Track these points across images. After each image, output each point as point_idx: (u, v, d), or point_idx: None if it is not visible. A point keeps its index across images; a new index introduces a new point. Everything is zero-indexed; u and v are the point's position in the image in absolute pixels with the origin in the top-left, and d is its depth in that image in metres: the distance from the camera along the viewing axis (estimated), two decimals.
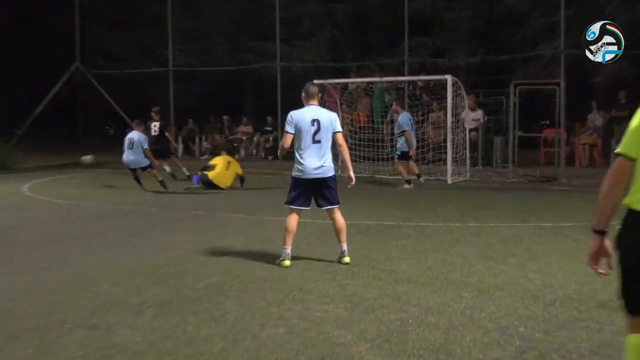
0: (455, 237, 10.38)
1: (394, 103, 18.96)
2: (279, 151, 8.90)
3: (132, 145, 17.24)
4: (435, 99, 21.28)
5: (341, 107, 21.46)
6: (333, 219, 8.67)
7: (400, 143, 17.41)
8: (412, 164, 17.98)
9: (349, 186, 8.72)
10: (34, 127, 27.52)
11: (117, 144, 23.26)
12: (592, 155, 21.91)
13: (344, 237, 8.64)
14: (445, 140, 18.95)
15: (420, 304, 6.70)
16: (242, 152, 27.13)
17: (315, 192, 8.58)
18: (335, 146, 8.67)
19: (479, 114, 21.79)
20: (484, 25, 25.37)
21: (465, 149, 19.88)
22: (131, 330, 6.01)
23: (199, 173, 17.40)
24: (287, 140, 8.52)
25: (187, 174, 19.27)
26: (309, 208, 8.70)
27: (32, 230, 11.37)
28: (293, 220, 8.55)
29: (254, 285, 7.52)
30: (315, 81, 19.67)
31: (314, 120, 8.48)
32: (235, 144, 27.36)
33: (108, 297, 7.05)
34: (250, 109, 34.61)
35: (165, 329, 6.03)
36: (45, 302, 6.90)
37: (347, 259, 8.52)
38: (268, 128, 27.01)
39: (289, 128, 8.51)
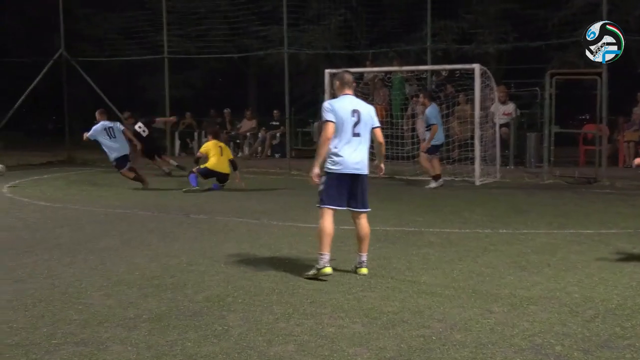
0: (484, 245, 10.42)
1: (421, 95, 19.00)
2: (319, 148, 8.48)
3: (114, 133, 17.96)
4: (461, 91, 21.27)
5: None
6: (359, 225, 8.68)
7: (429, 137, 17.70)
8: (437, 161, 18.09)
9: (380, 174, 9.13)
10: (15, 122, 27.67)
11: None
12: (638, 154, 21.87)
13: (366, 246, 8.67)
14: (472, 137, 18.95)
15: (445, 319, 6.75)
16: (246, 150, 27.20)
17: (350, 190, 8.52)
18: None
19: (510, 107, 21.82)
20: (516, 7, 25.28)
21: (495, 146, 19.90)
22: (124, 346, 6.07)
23: (195, 170, 17.53)
24: (331, 130, 8.35)
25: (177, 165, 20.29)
26: (344, 208, 8.64)
27: (14, 236, 11.42)
28: (329, 222, 8.46)
29: (260, 297, 7.57)
30: (328, 70, 19.94)
31: (354, 111, 8.47)
32: (237, 140, 27.43)
33: (99, 310, 7.12)
34: (254, 101, 34.69)
35: (162, 345, 6.09)
36: (30, 314, 6.97)
37: (364, 270, 8.54)
38: (274, 123, 27.08)
39: (330, 116, 8.37)
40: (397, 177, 19.78)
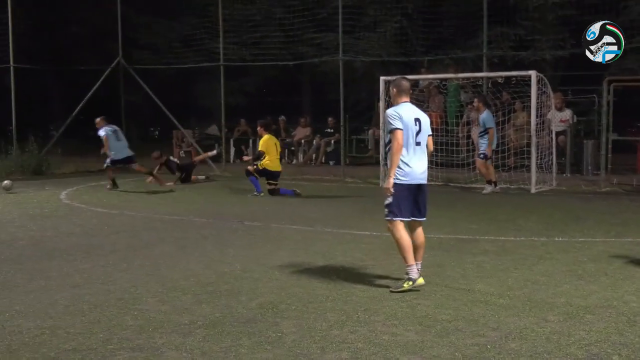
0: (539, 254, 10.34)
1: (475, 99, 18.94)
2: (393, 157, 8.20)
3: (119, 135, 19.31)
4: (517, 98, 21.12)
5: None
6: (417, 234, 8.52)
7: (484, 142, 17.66)
8: (492, 168, 18.07)
9: None
10: (73, 129, 28.03)
11: (163, 147, 23.70)
12: None
13: (421, 255, 8.53)
14: (528, 144, 18.83)
15: (499, 328, 6.71)
16: (301, 157, 27.24)
17: (415, 200, 8.41)
18: None
19: (567, 114, 21.60)
20: (574, 13, 25.04)
21: (552, 154, 19.73)
22: (179, 352, 6.13)
23: (252, 169, 17.71)
24: (402, 137, 8.19)
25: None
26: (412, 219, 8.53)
27: (71, 242, 11.58)
28: (405, 233, 8.32)
29: (314, 304, 7.60)
30: (383, 78, 19.93)
31: (416, 120, 8.34)
32: (292, 148, 27.51)
33: (154, 316, 7.19)
34: (309, 108, 34.74)
35: (217, 351, 6.14)
36: (86, 320, 7.07)
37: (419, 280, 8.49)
38: (329, 130, 27.09)
39: (398, 124, 8.19)
40: (451, 184, 19.73)
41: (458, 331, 6.61)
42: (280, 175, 18.03)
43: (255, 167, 17.72)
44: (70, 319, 7.10)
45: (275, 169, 17.78)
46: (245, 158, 18.73)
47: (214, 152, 24.66)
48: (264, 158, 17.61)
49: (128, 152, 19.46)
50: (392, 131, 8.21)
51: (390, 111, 8.36)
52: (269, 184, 17.81)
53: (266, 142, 17.75)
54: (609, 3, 24.17)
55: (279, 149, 18.16)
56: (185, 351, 6.13)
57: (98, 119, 19.59)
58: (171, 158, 21.64)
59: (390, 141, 8.31)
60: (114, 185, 19.34)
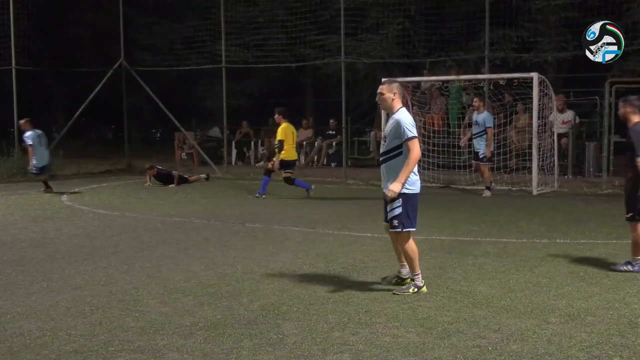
0: (541, 256, 10.34)
1: (476, 99, 18.90)
2: (410, 166, 7.96)
3: (42, 141, 19.26)
4: (519, 100, 21.11)
5: (412, 108, 21.40)
6: None
7: (482, 143, 17.60)
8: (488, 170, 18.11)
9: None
10: (75, 130, 28.05)
11: (164, 149, 23.72)
12: None
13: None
14: (530, 146, 18.81)
15: (501, 330, 6.71)
16: (303, 159, 27.22)
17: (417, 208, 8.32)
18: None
19: (569, 115, 21.59)
20: (576, 15, 25.00)
21: (554, 155, 19.72)
22: (181, 354, 6.14)
23: (271, 164, 17.82)
24: (418, 146, 8.07)
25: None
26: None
27: (73, 244, 11.58)
28: (414, 242, 8.25)
29: (315, 306, 7.60)
30: (385, 80, 19.91)
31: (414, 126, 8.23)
32: None
33: (155, 318, 7.20)
34: (311, 110, 34.74)
35: (218, 353, 6.15)
36: (87, 322, 7.08)
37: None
38: (331, 132, 27.09)
39: (415, 131, 8.07)
40: (452, 186, 19.74)
41: (459, 333, 6.62)
42: (296, 163, 18.07)
43: (273, 162, 17.68)
44: (72, 320, 7.11)
45: (292, 157, 17.73)
46: (275, 166, 18.20)
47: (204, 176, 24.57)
48: (279, 148, 17.54)
49: (47, 160, 19.51)
50: (411, 139, 7.97)
51: (405, 119, 8.10)
52: (286, 172, 17.71)
53: (284, 129, 17.55)
54: (612, 5, 24.17)
55: (295, 137, 18.13)
56: (187, 353, 6.14)
57: (22, 121, 19.67)
58: (159, 167, 21.55)
59: (395, 148, 8.13)
60: (48, 187, 19.40)
